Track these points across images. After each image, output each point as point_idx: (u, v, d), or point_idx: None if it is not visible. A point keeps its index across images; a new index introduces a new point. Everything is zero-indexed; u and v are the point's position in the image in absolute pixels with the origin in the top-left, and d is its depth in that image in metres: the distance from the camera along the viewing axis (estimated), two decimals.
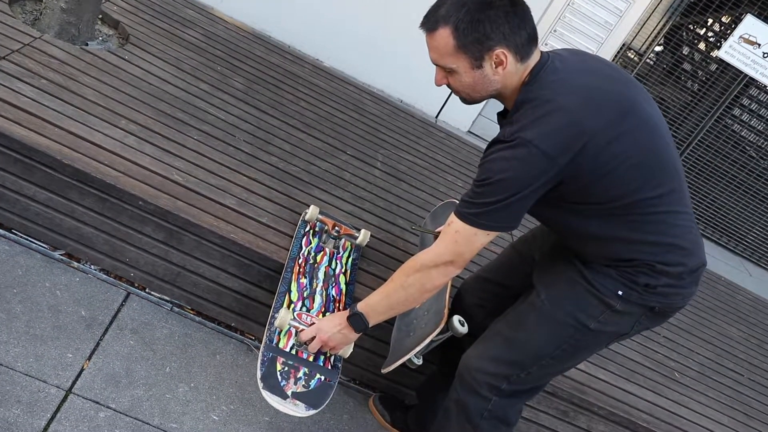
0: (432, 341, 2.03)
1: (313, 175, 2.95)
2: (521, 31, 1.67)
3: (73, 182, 2.28)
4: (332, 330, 1.99)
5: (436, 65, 1.77)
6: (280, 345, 2.06)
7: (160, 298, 2.46)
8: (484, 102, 1.89)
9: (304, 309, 2.22)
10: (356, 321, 1.96)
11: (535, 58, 1.73)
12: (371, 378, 2.58)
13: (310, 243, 2.51)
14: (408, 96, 4.95)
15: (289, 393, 1.94)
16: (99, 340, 2.21)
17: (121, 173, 2.33)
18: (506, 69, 1.70)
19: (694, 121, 5.40)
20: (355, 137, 3.46)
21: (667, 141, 1.78)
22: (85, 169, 2.26)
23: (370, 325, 1.96)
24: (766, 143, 5.87)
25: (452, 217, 1.79)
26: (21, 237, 2.37)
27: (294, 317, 2.14)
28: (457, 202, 2.28)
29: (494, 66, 1.70)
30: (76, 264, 2.40)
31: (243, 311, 2.48)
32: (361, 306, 1.96)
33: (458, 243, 1.77)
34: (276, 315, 2.10)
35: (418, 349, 2.02)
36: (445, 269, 1.82)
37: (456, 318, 2.07)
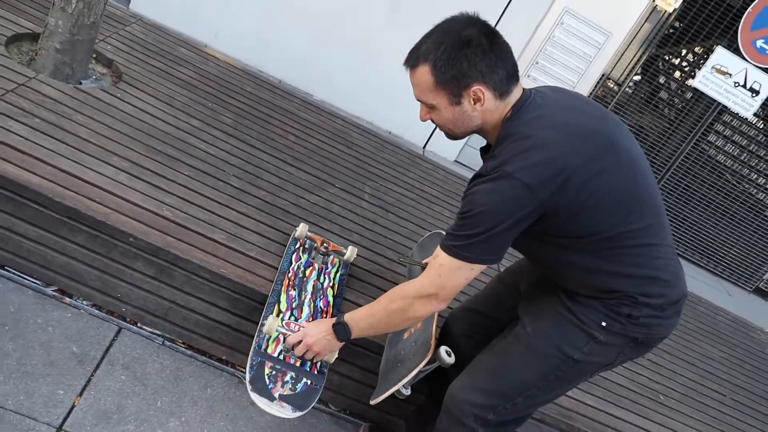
0: (420, 372, 1.99)
1: (302, 208, 2.91)
2: (499, 69, 1.66)
3: (64, 219, 2.24)
4: (318, 335, 1.98)
5: (419, 101, 1.77)
6: (269, 351, 2.09)
7: (151, 333, 2.40)
8: None
9: (292, 318, 2.24)
10: (340, 330, 1.94)
11: (516, 94, 1.72)
12: (361, 408, 2.52)
13: (300, 259, 2.52)
14: (396, 127, 4.95)
15: (276, 395, 1.96)
16: (90, 376, 2.15)
17: (112, 210, 2.29)
18: (485, 105, 1.69)
19: (672, 147, 5.40)
20: (344, 170, 3.43)
21: (646, 176, 1.76)
22: (75, 206, 2.22)
23: (352, 337, 1.95)
24: (740, 167, 5.88)
25: (438, 250, 1.75)
26: (13, 274, 2.32)
27: (282, 325, 2.15)
28: (444, 233, 2.23)
29: (473, 102, 1.69)
30: (68, 300, 2.35)
31: (233, 344, 2.43)
32: (347, 317, 1.95)
33: (442, 276, 1.74)
34: (264, 322, 2.12)
35: (406, 380, 1.99)
36: (428, 302, 1.79)
37: (443, 349, 2.03)
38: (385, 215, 3.24)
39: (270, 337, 2.12)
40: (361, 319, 1.94)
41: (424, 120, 1.80)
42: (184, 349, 2.42)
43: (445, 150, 5.09)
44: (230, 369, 2.45)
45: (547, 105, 1.71)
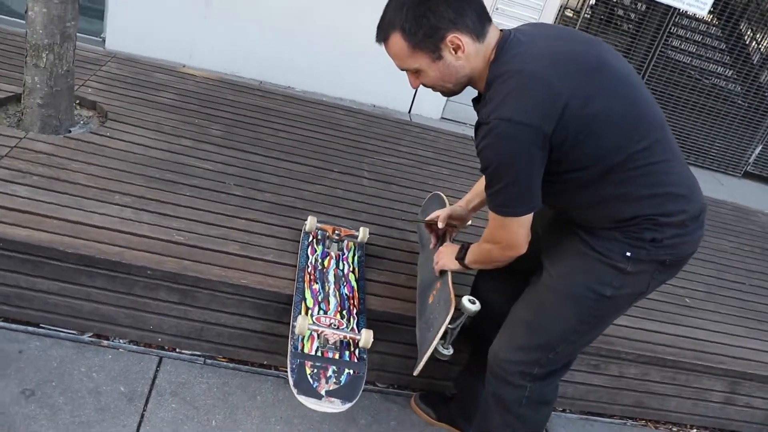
0: (449, 328, 1.83)
1: (307, 200, 2.73)
2: (467, 11, 1.48)
3: (80, 268, 2.07)
4: (447, 252, 1.98)
5: (403, 70, 1.59)
6: (305, 350, 1.93)
7: (191, 355, 2.25)
8: None
9: (321, 312, 2.07)
10: (461, 250, 1.90)
11: (494, 35, 1.54)
12: (408, 380, 2.37)
13: (315, 251, 2.34)
14: (379, 100, 4.79)
15: (322, 392, 1.81)
16: (143, 411, 2.01)
17: (124, 248, 2.12)
18: (466, 51, 1.51)
19: (639, 58, 5.15)
20: (338, 153, 3.23)
21: (643, 92, 1.57)
22: (88, 253, 2.05)
23: (465, 261, 1.87)
24: (704, 63, 5.63)
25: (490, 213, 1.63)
26: (48, 329, 2.17)
27: (313, 321, 1.99)
28: (442, 195, 2.03)
29: (454, 52, 1.51)
30: (105, 342, 2.20)
31: (271, 348, 2.28)
32: (472, 245, 1.88)
33: (496, 229, 1.64)
34: (295, 323, 1.95)
35: (437, 338, 1.82)
36: (501, 250, 1.67)
37: (465, 298, 1.87)
38: (387, 188, 3.05)
39: (304, 336, 1.96)
40: (473, 248, 1.86)
41: (415, 87, 1.63)
42: (225, 363, 2.27)
43: (429, 110, 4.90)
44: (274, 372, 2.29)
45: (529, 39, 1.53)
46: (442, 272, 2.01)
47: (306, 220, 2.42)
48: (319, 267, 2.27)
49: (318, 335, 1.96)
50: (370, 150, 3.38)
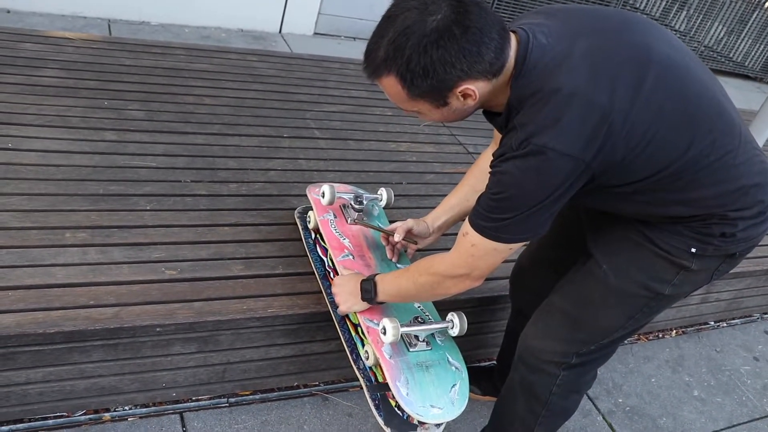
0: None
1: (277, 182, 2.31)
2: (484, 53, 1.16)
3: (69, 345, 1.59)
4: (345, 289, 1.70)
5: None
6: (380, 380, 1.65)
7: (211, 399, 1.88)
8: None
9: (372, 323, 1.72)
10: (366, 288, 1.62)
11: (513, 49, 1.22)
12: None
13: (327, 251, 1.95)
14: (245, 24, 4.35)
15: (416, 421, 1.57)
16: None
17: (117, 305, 1.65)
18: (479, 95, 1.21)
19: None
20: (277, 113, 2.76)
21: (700, 76, 1.29)
22: (77, 327, 1.57)
23: (377, 300, 1.62)
24: None
25: (467, 227, 1.33)
26: (31, 422, 1.69)
27: (369, 343, 1.65)
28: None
29: (462, 99, 1.22)
30: (107, 415, 1.77)
31: (301, 369, 1.97)
32: (378, 277, 1.62)
33: (475, 257, 1.35)
34: (360, 357, 1.69)
35: None
36: (460, 281, 1.42)
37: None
38: (346, 145, 2.68)
39: (373, 365, 1.68)
40: (389, 283, 1.58)
41: (408, 113, 1.32)
42: (251, 396, 1.93)
43: (301, 26, 4.50)
44: (305, 390, 2.00)
45: (554, 41, 1.22)
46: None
47: (300, 213, 2.06)
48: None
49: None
50: (305, 101, 2.93)
